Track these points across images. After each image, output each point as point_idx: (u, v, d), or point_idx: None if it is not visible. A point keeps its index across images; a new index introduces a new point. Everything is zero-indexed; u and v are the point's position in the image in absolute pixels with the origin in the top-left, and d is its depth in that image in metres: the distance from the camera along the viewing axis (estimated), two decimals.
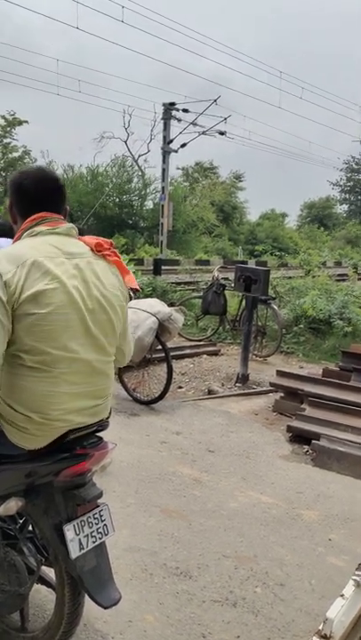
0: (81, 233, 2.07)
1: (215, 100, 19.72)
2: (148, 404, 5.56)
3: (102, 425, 2.03)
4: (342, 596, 2.00)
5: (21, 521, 2.08)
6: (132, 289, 4.86)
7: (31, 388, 1.79)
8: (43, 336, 1.76)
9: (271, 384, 5.93)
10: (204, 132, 20.82)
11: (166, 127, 20.85)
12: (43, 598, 2.43)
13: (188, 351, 7.99)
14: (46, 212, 1.92)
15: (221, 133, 21.17)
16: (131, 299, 6.17)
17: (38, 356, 1.77)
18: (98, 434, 2.03)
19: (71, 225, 1.96)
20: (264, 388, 6.32)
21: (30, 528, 2.11)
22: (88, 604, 2.06)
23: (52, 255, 1.82)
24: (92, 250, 1.96)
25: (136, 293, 5.78)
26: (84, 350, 1.86)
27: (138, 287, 6.00)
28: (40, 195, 1.93)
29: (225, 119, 20.45)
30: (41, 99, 34.64)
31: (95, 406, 1.96)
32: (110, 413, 2.10)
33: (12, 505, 1.86)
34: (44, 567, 2.11)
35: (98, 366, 1.92)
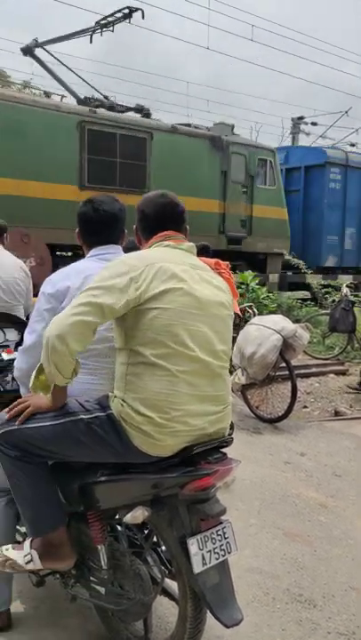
0: (207, 251, 2.23)
1: (346, 112, 19.24)
2: (272, 422, 5.47)
3: (227, 440, 2.03)
4: None
5: (147, 531, 2.12)
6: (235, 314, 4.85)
7: (153, 386, 1.86)
8: (163, 329, 1.87)
9: None
10: (333, 145, 20.34)
11: (295, 141, 20.67)
12: (165, 610, 2.45)
13: (313, 370, 7.77)
14: (170, 231, 2.10)
15: (352, 145, 20.53)
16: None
17: (159, 350, 1.86)
18: (222, 449, 2.02)
19: (192, 244, 2.13)
20: None
21: (155, 539, 2.15)
22: (208, 622, 2.04)
23: (179, 263, 1.98)
24: (210, 267, 2.13)
25: (237, 320, 5.77)
26: (202, 352, 1.93)
27: (239, 313, 6.02)
28: (162, 217, 2.12)
29: (356, 130, 19.86)
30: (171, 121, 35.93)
31: (216, 413, 1.98)
32: (233, 429, 2.09)
33: (139, 514, 1.90)
34: (167, 580, 2.13)
35: (215, 370, 1.97)
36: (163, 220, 2.11)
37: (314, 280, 12.77)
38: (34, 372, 2.00)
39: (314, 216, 14.20)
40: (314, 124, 20.17)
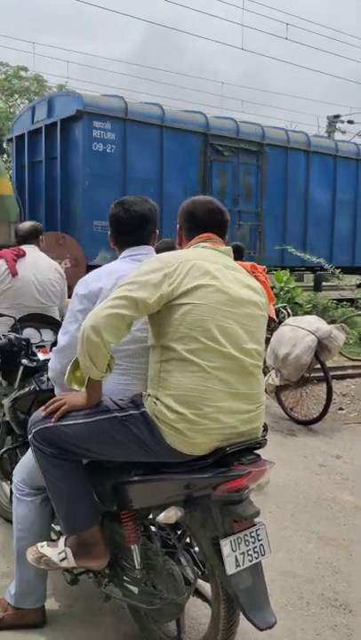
0: (241, 253, 2.26)
1: None
2: (306, 424, 5.41)
3: (260, 442, 2.02)
4: None
5: (180, 531, 2.12)
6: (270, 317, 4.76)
7: (185, 382, 1.87)
8: (195, 325, 1.89)
9: None
10: None
11: None
12: (198, 612, 2.45)
13: (349, 371, 7.64)
14: (212, 234, 2.15)
15: None
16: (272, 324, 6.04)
17: (190, 345, 1.88)
18: (256, 451, 2.01)
19: (229, 247, 2.17)
20: None
21: (188, 540, 2.14)
22: (241, 625, 2.03)
23: (213, 262, 2.02)
24: (246, 270, 2.19)
25: (272, 324, 5.65)
26: (234, 348, 1.93)
27: (274, 317, 5.90)
28: (208, 222, 2.17)
29: None
30: None
31: (249, 411, 1.97)
32: (267, 431, 2.08)
33: (172, 514, 1.90)
34: (200, 581, 2.12)
35: (248, 368, 1.97)
36: (210, 223, 2.17)
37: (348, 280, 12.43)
38: (69, 367, 2.03)
39: (75, 193, 10.01)
40: (350, 122, 19.88)
